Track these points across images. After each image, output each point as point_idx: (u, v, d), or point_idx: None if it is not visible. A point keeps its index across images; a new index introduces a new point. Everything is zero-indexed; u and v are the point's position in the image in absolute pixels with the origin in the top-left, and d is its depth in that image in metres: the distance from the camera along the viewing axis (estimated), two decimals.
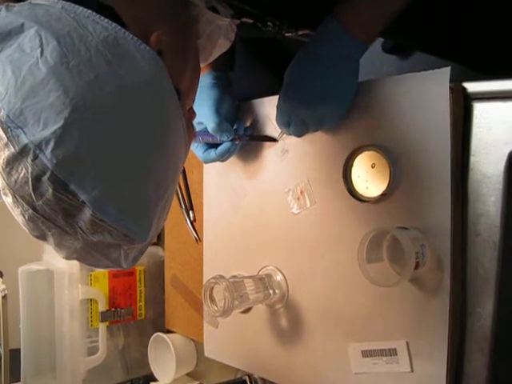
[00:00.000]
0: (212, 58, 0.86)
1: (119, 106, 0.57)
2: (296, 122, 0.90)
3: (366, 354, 0.89)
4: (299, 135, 0.93)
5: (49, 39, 0.55)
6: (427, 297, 0.81)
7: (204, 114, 0.99)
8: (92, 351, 1.34)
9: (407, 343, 0.84)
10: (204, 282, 1.16)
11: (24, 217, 0.58)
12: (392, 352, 0.85)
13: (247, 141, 1.05)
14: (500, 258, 0.76)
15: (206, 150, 1.04)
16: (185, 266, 1.31)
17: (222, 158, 1.04)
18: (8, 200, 0.58)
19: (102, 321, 1.33)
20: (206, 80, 1.01)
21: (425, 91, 0.80)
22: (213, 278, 1.00)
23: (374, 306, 0.88)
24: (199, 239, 1.25)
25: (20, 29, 0.56)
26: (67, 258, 0.64)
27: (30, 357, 1.34)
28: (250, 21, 0.86)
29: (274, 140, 1.04)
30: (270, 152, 1.05)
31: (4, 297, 1.27)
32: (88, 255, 0.62)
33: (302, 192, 0.99)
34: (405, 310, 0.84)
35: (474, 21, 1.00)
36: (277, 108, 0.92)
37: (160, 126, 0.61)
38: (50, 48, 0.55)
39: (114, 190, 0.57)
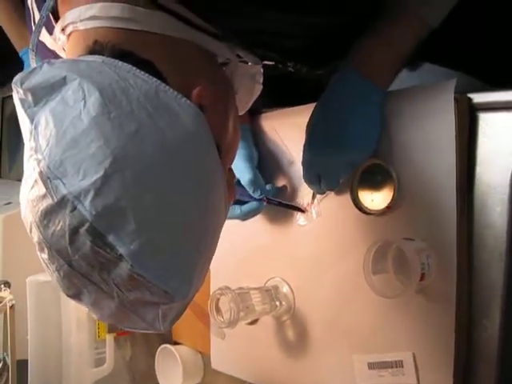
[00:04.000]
0: (248, 107, 0.85)
1: (160, 159, 0.56)
2: (327, 173, 0.89)
3: (372, 365, 0.88)
4: (332, 188, 0.91)
5: (91, 91, 0.55)
6: (433, 308, 0.80)
7: (237, 166, 0.98)
8: (99, 362, 1.34)
9: (413, 355, 0.83)
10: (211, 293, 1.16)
11: (59, 273, 0.56)
12: (398, 364, 0.85)
13: (275, 205, 1.01)
14: (506, 269, 0.75)
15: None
16: None
17: (247, 216, 1.00)
18: (43, 256, 0.56)
19: (110, 332, 1.34)
20: None
21: (430, 103, 0.80)
22: (219, 289, 1.00)
23: (379, 317, 0.87)
24: None
25: (63, 82, 0.56)
26: (102, 318, 0.61)
27: (38, 367, 1.34)
28: (272, 63, 0.86)
29: (301, 210, 1.00)
30: (276, 164, 1.05)
31: (11, 307, 1.28)
32: (123, 316, 0.60)
33: (308, 204, 0.99)
34: (411, 321, 0.83)
35: (483, 31, 1.00)
36: (302, 164, 0.91)
37: (201, 179, 0.60)
38: (92, 99, 0.55)
39: (153, 244, 0.55)
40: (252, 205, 0.99)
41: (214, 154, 0.63)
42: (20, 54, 1.15)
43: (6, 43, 1.17)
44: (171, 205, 0.57)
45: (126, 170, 0.53)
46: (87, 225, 0.52)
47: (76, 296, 0.59)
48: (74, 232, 0.53)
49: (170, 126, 0.58)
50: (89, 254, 0.53)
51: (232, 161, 0.75)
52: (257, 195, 0.98)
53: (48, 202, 0.53)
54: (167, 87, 0.60)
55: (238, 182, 0.99)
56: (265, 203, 0.99)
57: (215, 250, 0.65)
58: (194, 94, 0.63)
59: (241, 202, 0.99)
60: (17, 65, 1.11)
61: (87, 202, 0.52)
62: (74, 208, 0.52)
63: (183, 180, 0.58)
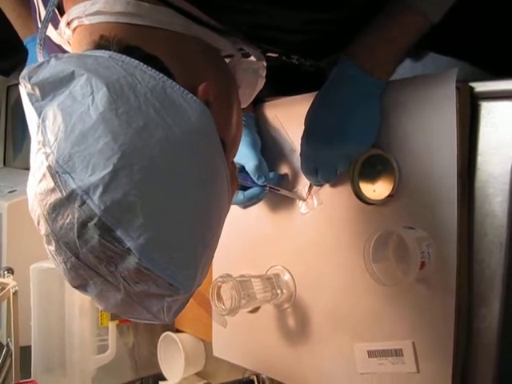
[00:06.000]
0: (250, 100, 0.86)
1: (167, 154, 0.57)
2: (324, 166, 0.90)
3: (372, 354, 0.88)
4: (329, 180, 0.92)
5: (99, 86, 0.56)
6: (433, 297, 0.80)
7: (242, 153, 0.99)
8: (102, 349, 1.35)
9: (413, 343, 0.83)
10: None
11: (66, 265, 0.57)
12: (398, 352, 0.85)
13: (276, 192, 1.02)
14: (506, 258, 0.75)
15: None
16: None
17: (250, 202, 1.01)
18: (50, 248, 0.58)
19: (112, 319, 1.34)
20: None
21: (432, 92, 0.80)
22: (220, 276, 1.00)
23: (380, 306, 0.88)
24: None
25: (71, 76, 0.57)
26: (106, 309, 0.63)
27: (41, 354, 1.35)
28: (275, 55, 0.87)
29: (302, 199, 1.01)
30: (278, 152, 1.06)
31: (15, 293, 1.29)
32: (128, 308, 0.61)
33: (307, 194, 1.00)
34: (411, 310, 0.84)
35: (487, 21, 1.00)
36: (300, 156, 0.92)
37: (207, 174, 0.61)
38: (100, 95, 0.56)
39: (160, 238, 0.56)
40: (255, 190, 0.99)
41: (219, 149, 0.64)
42: (24, 43, 1.15)
43: (10, 32, 1.17)
44: (178, 199, 0.58)
45: (134, 166, 0.54)
46: (96, 219, 0.53)
47: (82, 287, 0.60)
48: (83, 226, 0.54)
49: (177, 121, 0.58)
50: (97, 248, 0.55)
51: (235, 154, 0.76)
52: (260, 182, 0.98)
53: (57, 195, 0.54)
54: (174, 83, 0.60)
55: (242, 167, 0.99)
56: (267, 189, 0.99)
57: (217, 243, 0.66)
58: (200, 89, 0.63)
59: (243, 188, 1.00)
60: (21, 54, 1.11)
61: (96, 197, 0.53)
62: (83, 202, 0.53)
63: (189, 175, 0.59)
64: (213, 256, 0.65)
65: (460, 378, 0.79)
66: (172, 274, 0.57)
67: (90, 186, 0.53)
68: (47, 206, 0.55)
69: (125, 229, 0.54)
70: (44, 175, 0.55)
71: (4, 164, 2.31)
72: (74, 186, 0.53)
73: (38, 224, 0.58)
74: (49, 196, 0.55)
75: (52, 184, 0.54)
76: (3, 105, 2.28)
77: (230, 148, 0.70)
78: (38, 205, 0.56)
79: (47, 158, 0.54)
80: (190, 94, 0.61)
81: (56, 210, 0.54)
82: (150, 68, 0.60)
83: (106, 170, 0.53)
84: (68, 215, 0.54)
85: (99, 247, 0.54)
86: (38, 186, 0.56)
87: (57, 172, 0.53)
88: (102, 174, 0.53)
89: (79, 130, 0.54)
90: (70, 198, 0.53)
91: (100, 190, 0.53)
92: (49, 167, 0.54)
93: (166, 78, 0.60)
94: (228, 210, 0.68)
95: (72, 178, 0.53)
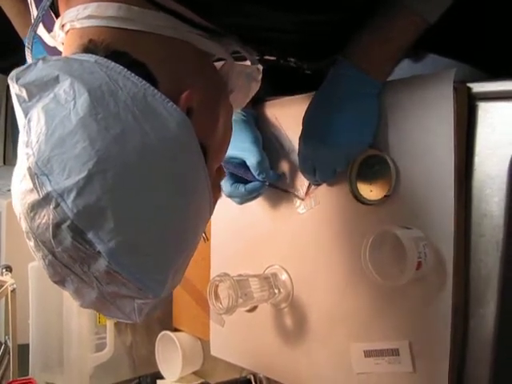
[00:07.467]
0: (244, 104, 0.86)
1: (142, 162, 0.58)
2: (322, 165, 0.90)
3: (369, 353, 0.89)
4: (327, 179, 0.93)
5: (81, 91, 0.57)
6: (430, 297, 0.80)
7: (244, 148, 0.99)
8: (100, 348, 1.35)
9: (410, 343, 0.83)
10: None
11: (44, 261, 0.59)
12: (394, 352, 0.85)
13: (275, 189, 1.04)
14: (503, 258, 0.75)
15: (233, 183, 1.01)
16: (192, 264, 1.30)
17: (251, 195, 1.01)
18: (31, 244, 0.59)
19: None
20: (236, 115, 1.00)
21: (429, 93, 0.80)
22: (218, 275, 1.00)
23: (376, 306, 0.88)
24: (207, 238, 1.26)
25: (55, 81, 0.58)
26: (83, 305, 0.64)
27: (39, 352, 1.35)
28: (273, 58, 0.87)
29: (300, 198, 1.02)
30: (277, 151, 1.06)
31: (13, 291, 1.29)
32: (102, 306, 0.63)
33: (305, 193, 1.00)
34: (407, 310, 0.84)
35: (485, 22, 1.00)
36: (298, 155, 0.93)
37: (182, 184, 0.62)
38: (81, 100, 0.56)
39: (130, 243, 0.57)
40: (256, 184, 1.00)
41: (198, 159, 0.64)
42: (24, 41, 1.15)
43: (10, 31, 1.17)
44: (151, 206, 0.59)
45: (108, 172, 0.55)
46: (68, 222, 0.55)
47: (60, 282, 0.62)
48: (57, 227, 0.55)
49: (155, 130, 0.59)
50: (70, 248, 0.56)
51: (221, 160, 0.76)
52: (261, 178, 0.99)
53: (34, 196, 0.55)
54: (156, 91, 0.61)
55: (244, 162, 1.00)
56: (267, 183, 1.00)
57: (196, 247, 0.67)
58: (183, 97, 0.64)
59: (244, 181, 1.00)
60: (21, 52, 1.11)
61: (70, 201, 0.54)
62: (58, 205, 0.54)
63: (164, 183, 0.60)
64: (189, 260, 0.66)
65: (456, 378, 0.79)
66: (141, 279, 0.58)
67: (65, 190, 0.54)
68: (26, 205, 0.56)
69: (96, 232, 0.55)
70: (24, 175, 0.56)
71: (4, 162, 2.31)
72: (49, 189, 0.54)
73: (20, 220, 0.59)
74: (28, 196, 0.56)
75: (31, 185, 0.55)
76: (3, 103, 2.28)
77: (215, 154, 0.70)
78: (19, 203, 0.58)
79: (28, 159, 0.56)
80: (171, 103, 0.61)
81: (34, 209, 0.56)
82: (133, 75, 0.60)
83: (81, 175, 0.54)
84: (44, 216, 0.55)
85: (72, 248, 0.56)
86: (19, 185, 0.57)
87: (35, 174, 0.55)
88: (77, 179, 0.54)
89: (59, 134, 0.55)
90: (46, 199, 0.55)
91: (74, 194, 0.54)
92: (29, 168, 0.55)
93: (148, 85, 0.60)
94: (210, 215, 0.69)
95: (49, 180, 0.54)
